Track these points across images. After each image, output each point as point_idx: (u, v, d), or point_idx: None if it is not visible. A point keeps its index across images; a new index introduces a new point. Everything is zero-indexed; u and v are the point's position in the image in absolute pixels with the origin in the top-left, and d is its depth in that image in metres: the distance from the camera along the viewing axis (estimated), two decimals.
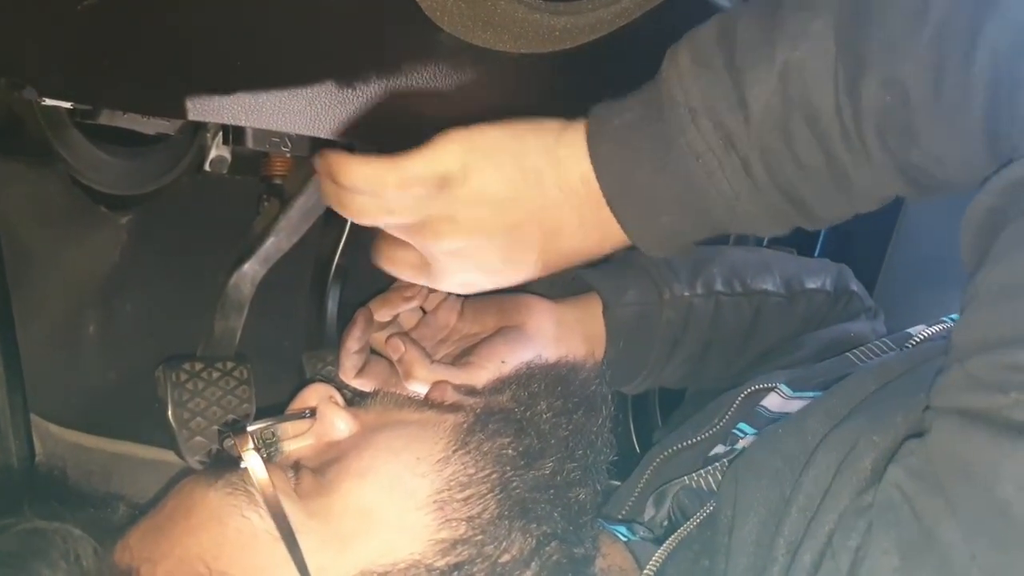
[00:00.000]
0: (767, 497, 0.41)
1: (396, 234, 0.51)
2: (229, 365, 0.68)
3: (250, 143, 0.60)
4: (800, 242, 0.91)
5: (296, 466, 0.48)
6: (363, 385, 0.59)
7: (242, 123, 0.52)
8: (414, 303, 0.62)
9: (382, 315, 0.61)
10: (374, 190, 0.47)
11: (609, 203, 0.47)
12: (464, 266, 0.50)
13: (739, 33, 0.43)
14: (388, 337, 0.60)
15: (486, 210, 0.47)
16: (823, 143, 0.42)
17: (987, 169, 0.37)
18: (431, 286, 0.53)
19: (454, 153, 0.46)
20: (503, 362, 0.58)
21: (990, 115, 0.37)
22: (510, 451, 0.46)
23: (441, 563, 0.42)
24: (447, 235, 0.48)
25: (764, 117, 0.42)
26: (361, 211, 0.48)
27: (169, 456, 0.69)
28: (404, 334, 0.60)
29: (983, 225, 0.35)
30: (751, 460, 0.45)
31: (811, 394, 0.56)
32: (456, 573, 0.42)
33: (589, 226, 0.48)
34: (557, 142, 0.47)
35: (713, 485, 0.52)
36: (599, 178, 0.46)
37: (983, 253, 0.34)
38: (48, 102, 0.48)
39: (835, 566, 0.35)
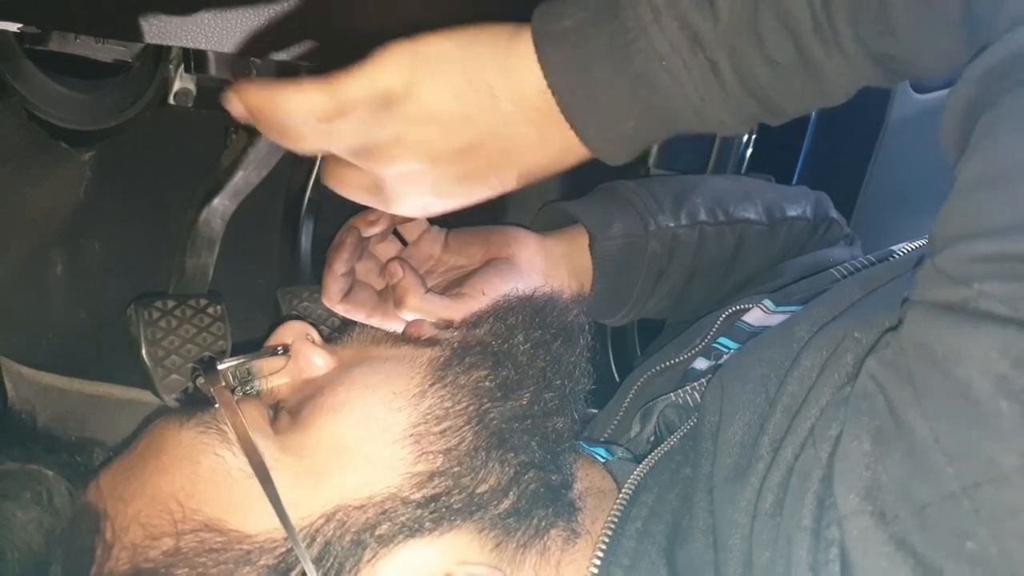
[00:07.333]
0: (752, 400, 0.41)
1: (343, 156, 0.46)
2: (202, 302, 0.66)
3: (212, 70, 0.57)
4: (778, 169, 0.90)
5: (275, 406, 0.47)
6: (347, 312, 0.58)
7: (202, 46, 0.50)
8: (378, 227, 0.59)
9: (368, 230, 0.58)
10: (309, 119, 0.42)
11: (564, 112, 0.42)
12: (417, 189, 0.46)
13: None
14: (388, 261, 0.58)
15: (435, 129, 0.43)
16: (794, 39, 0.40)
17: (964, 58, 0.35)
18: (385, 210, 0.49)
19: (396, 68, 0.42)
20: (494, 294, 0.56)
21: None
22: (487, 383, 0.46)
23: (418, 496, 0.42)
24: (396, 158, 0.44)
25: (732, 16, 0.39)
26: (298, 139, 0.44)
27: (146, 396, 0.68)
28: (404, 260, 0.58)
29: (963, 118, 0.35)
30: (737, 366, 0.45)
31: (794, 308, 0.56)
32: (433, 504, 0.42)
33: (549, 139, 0.44)
34: (509, 50, 0.42)
35: (699, 399, 0.52)
36: (551, 87, 0.42)
37: (964, 146, 0.34)
38: None
39: (815, 453, 0.35)
